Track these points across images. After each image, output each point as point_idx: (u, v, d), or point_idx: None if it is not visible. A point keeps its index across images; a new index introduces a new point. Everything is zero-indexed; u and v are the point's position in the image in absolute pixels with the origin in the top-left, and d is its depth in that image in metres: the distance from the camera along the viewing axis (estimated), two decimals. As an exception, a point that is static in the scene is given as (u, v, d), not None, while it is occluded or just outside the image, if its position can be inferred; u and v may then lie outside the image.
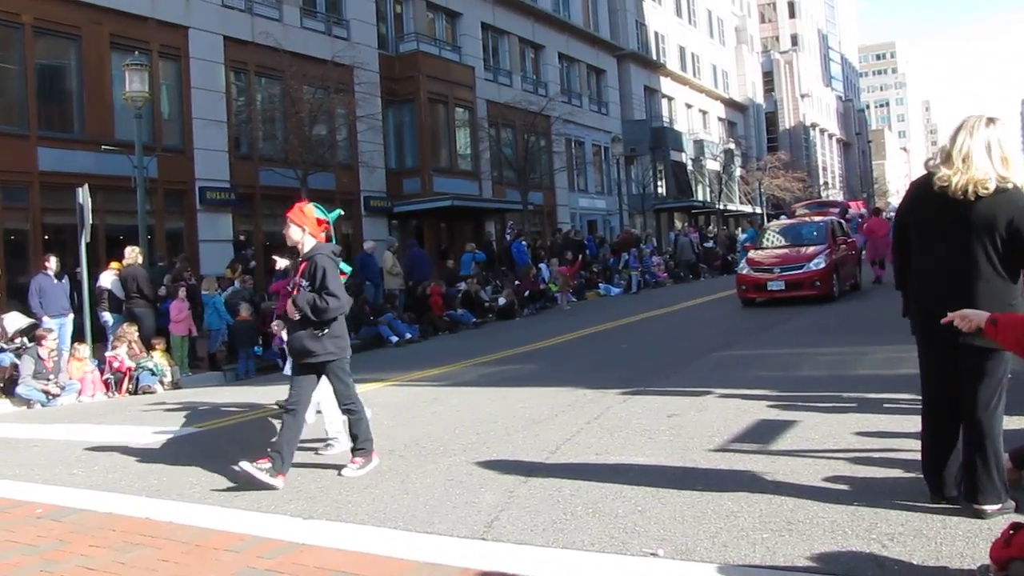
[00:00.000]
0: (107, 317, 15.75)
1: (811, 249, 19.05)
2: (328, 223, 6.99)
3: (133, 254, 15.69)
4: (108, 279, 15.91)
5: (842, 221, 24.02)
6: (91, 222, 15.98)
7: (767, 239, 21.48)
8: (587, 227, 42.13)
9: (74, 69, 21.03)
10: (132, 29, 21.75)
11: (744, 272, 19.50)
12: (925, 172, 4.77)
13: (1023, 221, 4.34)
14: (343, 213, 8.16)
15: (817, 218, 23.86)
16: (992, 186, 4.38)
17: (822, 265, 18.40)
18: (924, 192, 4.75)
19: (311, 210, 6.85)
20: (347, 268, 7.33)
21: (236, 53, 24.62)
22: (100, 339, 16.01)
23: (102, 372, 14.43)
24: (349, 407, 6.92)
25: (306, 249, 6.80)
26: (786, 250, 19.82)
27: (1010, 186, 4.40)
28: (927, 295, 4.78)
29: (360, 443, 6.82)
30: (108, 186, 19.94)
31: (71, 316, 15.58)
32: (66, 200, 17.36)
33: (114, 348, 14.57)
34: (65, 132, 20.75)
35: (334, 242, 7.11)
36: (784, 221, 26.15)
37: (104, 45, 21.26)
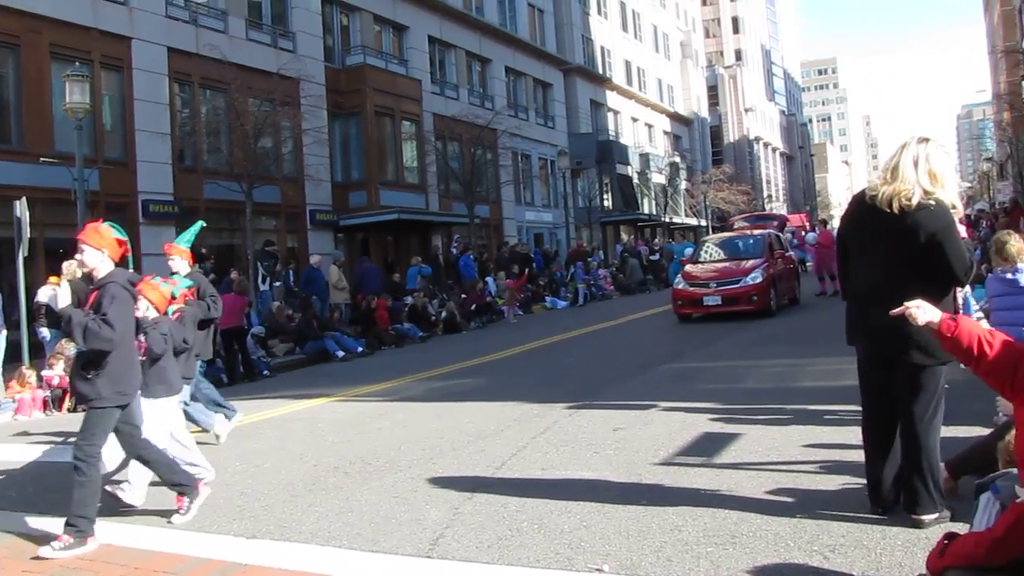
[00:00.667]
0: (44, 333, 15.41)
1: (748, 263, 18.89)
2: (127, 245, 6.14)
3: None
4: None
5: (780, 235, 23.91)
6: (28, 236, 15.64)
7: (704, 253, 21.13)
8: (534, 240, 42.24)
9: (12, 79, 20.59)
10: (73, 39, 21.38)
11: (680, 287, 19.19)
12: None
13: (945, 235, 4.47)
14: (205, 225, 8.01)
15: (756, 231, 23.53)
16: (915, 200, 4.52)
17: (759, 279, 18.25)
18: (860, 205, 4.93)
19: (108, 231, 5.93)
20: (185, 284, 7.09)
21: (180, 65, 24.33)
22: (38, 355, 15.67)
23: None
24: (138, 456, 6.20)
25: (101, 275, 5.85)
26: (723, 264, 19.62)
27: (933, 202, 4.53)
28: (860, 306, 4.91)
29: (173, 485, 6.23)
30: (47, 199, 19.56)
31: (4, 332, 15.22)
32: (3, 213, 17.03)
33: (51, 366, 14.24)
34: (2, 143, 20.27)
35: (131, 266, 6.38)
36: (721, 234, 26.13)
37: (44, 55, 20.85)
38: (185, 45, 24.42)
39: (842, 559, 4.34)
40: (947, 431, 5.18)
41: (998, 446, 4.64)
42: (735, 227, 31.27)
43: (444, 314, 23.27)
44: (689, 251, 28.81)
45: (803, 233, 37.93)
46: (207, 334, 9.25)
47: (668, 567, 4.45)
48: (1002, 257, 7.07)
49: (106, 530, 5.86)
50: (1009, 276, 6.93)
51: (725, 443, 7.12)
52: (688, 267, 20.48)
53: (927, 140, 4.76)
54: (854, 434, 5.41)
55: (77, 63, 18.73)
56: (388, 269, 26.76)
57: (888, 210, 4.59)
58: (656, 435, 7.63)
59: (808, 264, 28.47)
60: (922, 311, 3.96)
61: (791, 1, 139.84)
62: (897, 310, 4.09)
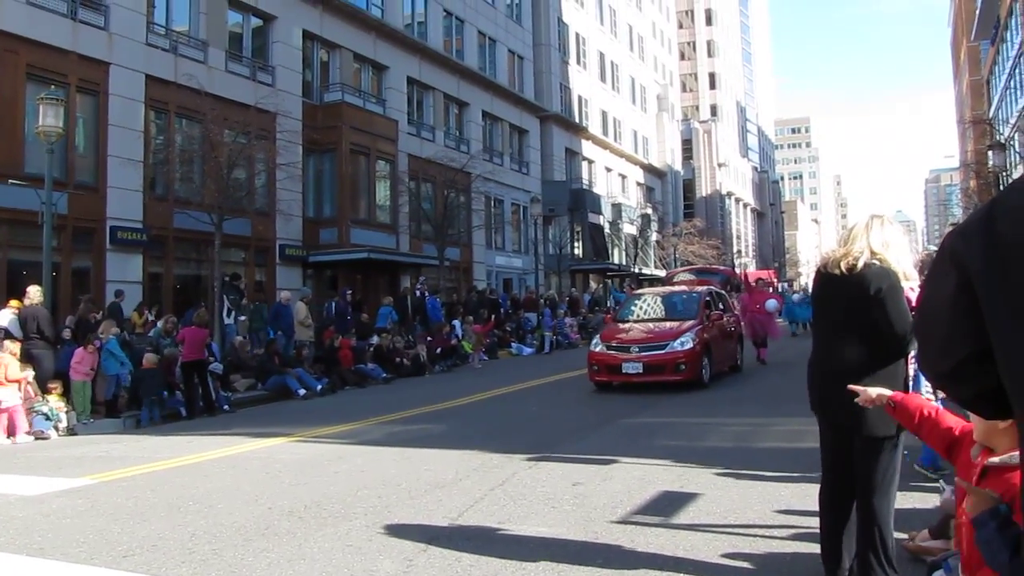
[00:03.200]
0: (2, 357, 15.18)
1: (678, 325, 16.66)
2: None
3: (36, 294, 15.23)
4: (6, 318, 15.37)
5: (722, 292, 21.36)
6: (-8, 258, 15.47)
7: (629, 311, 18.92)
8: (503, 285, 42.26)
9: (-15, 99, 20.45)
10: (51, 61, 21.29)
11: (597, 350, 16.74)
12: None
13: (889, 293, 4.58)
14: None
15: (697, 287, 20.76)
16: (862, 262, 4.64)
17: (688, 345, 15.90)
18: (818, 276, 5.08)
19: None
20: None
21: (157, 92, 24.26)
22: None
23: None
24: None
25: None
26: (649, 325, 17.34)
27: (877, 263, 4.66)
28: (818, 371, 5.00)
29: None
30: (13, 220, 19.37)
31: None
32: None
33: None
34: (-30, 163, 20.11)
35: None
36: (652, 289, 23.70)
37: (19, 75, 20.71)
38: (163, 73, 24.37)
39: (795, 631, 4.32)
40: (904, 499, 5.19)
41: (951, 524, 4.66)
42: (675, 281, 28.16)
43: (411, 354, 23.13)
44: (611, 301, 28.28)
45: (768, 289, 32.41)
46: None
47: (620, 632, 4.40)
48: None
49: (49, 570, 5.74)
50: None
51: (683, 503, 7.10)
52: (609, 327, 18.26)
53: (881, 216, 4.94)
54: (811, 498, 5.41)
55: (53, 86, 18.67)
56: (356, 307, 26.64)
57: (838, 272, 4.71)
58: (615, 492, 7.59)
59: None
60: (866, 396, 4.02)
61: (767, 60, 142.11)
62: (850, 388, 4.18)
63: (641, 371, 15.78)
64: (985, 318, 1.57)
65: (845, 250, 4.75)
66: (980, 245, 1.57)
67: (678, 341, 15.95)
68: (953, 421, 3.58)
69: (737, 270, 56.28)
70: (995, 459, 2.75)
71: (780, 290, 33.67)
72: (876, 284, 4.59)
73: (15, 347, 14.26)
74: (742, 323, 20.73)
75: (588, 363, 16.75)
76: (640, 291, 23.09)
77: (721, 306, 19.20)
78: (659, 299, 18.94)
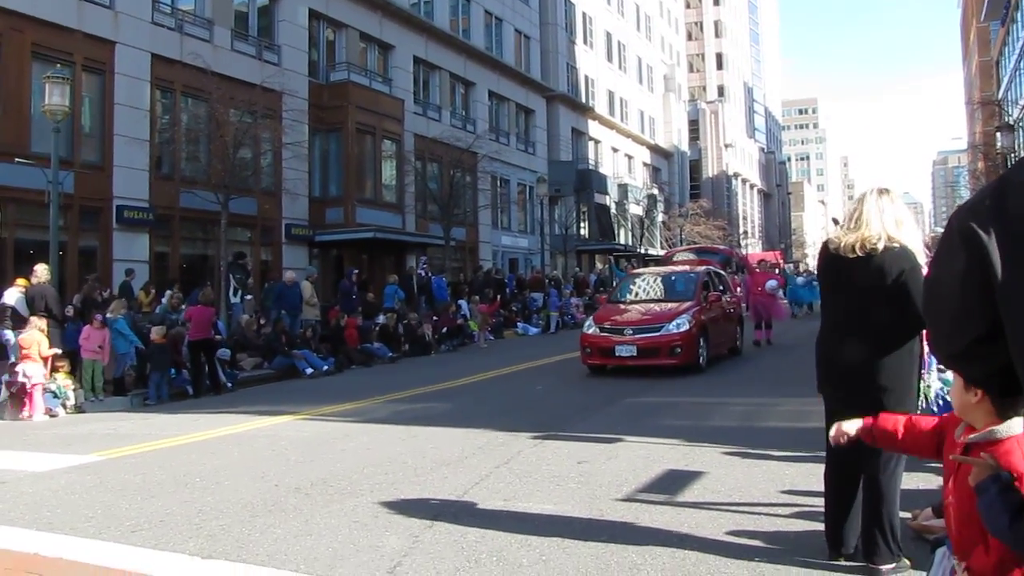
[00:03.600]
0: (8, 335, 15.22)
1: (674, 306, 15.99)
2: None
3: (43, 272, 15.27)
4: (13, 296, 15.43)
5: (721, 272, 20.74)
6: (-1, 236, 15.49)
7: (625, 291, 18.15)
8: (508, 265, 42.26)
9: (-9, 77, 20.46)
10: (56, 40, 21.28)
11: (590, 332, 16.09)
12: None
13: (911, 275, 4.53)
14: None
15: (696, 267, 20.15)
16: (881, 245, 4.59)
17: (684, 327, 15.20)
18: (824, 256, 5.06)
19: None
20: None
21: (163, 71, 24.25)
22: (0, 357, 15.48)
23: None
24: None
25: None
26: (644, 306, 16.54)
27: (897, 245, 4.61)
28: (824, 352, 4.98)
29: None
30: (20, 199, 19.40)
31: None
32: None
33: (11, 371, 13.99)
34: (-23, 142, 20.14)
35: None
36: (649, 269, 22.89)
37: (25, 54, 20.72)
38: (169, 52, 24.35)
39: (798, 607, 4.33)
40: (908, 479, 5.21)
41: None
42: (675, 260, 28.07)
43: (418, 333, 23.16)
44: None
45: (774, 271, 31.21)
46: None
47: (625, 607, 4.42)
48: None
49: (58, 543, 5.78)
50: None
51: (688, 481, 7.11)
52: (603, 308, 17.76)
53: (887, 191, 4.89)
54: (817, 478, 5.42)
55: (59, 64, 18.65)
56: (362, 287, 26.67)
57: (853, 255, 4.66)
58: (620, 470, 7.61)
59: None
60: (841, 434, 3.82)
61: (775, 40, 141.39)
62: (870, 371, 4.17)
63: (635, 354, 15.17)
64: (997, 295, 1.55)
65: (859, 235, 4.68)
66: (991, 221, 1.56)
67: (673, 323, 15.27)
68: (929, 420, 3.52)
69: (743, 252, 56.16)
70: (974, 435, 2.75)
71: (784, 272, 33.11)
72: (898, 266, 4.56)
73: (43, 323, 14.41)
74: (746, 305, 20.47)
75: (581, 345, 16.14)
76: (637, 271, 22.54)
77: (721, 287, 18.50)
78: (656, 279, 18.13)
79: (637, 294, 17.61)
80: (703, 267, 19.69)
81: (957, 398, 2.73)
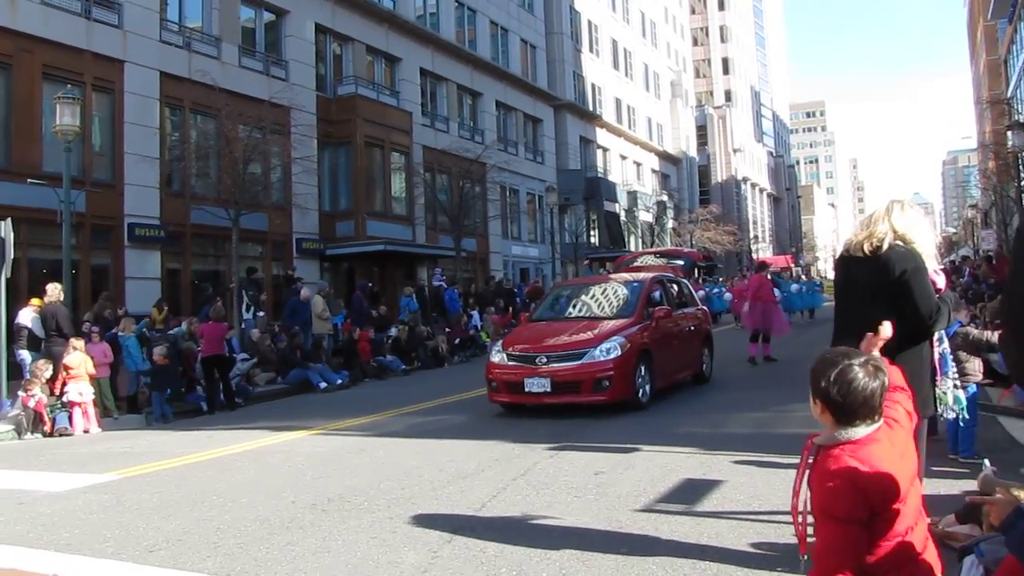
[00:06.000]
0: (23, 355, 15.27)
1: (604, 326, 12.69)
2: None
3: (55, 291, 15.31)
4: (28, 316, 15.47)
5: (682, 280, 16.90)
6: (12, 256, 15.51)
7: (550, 307, 14.95)
8: (519, 275, 42.24)
9: (2, 98, 20.53)
10: (66, 60, 21.42)
11: (495, 360, 12.83)
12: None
13: (913, 275, 4.53)
14: None
15: (641, 275, 15.87)
16: (887, 242, 4.63)
17: (615, 353, 11.93)
18: (840, 259, 5.10)
19: None
20: None
21: (172, 89, 24.36)
22: (15, 377, 15.49)
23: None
24: None
25: None
26: (569, 326, 13.13)
27: (902, 245, 4.62)
28: None
29: None
30: (32, 219, 19.46)
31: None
32: (-13, 233, 16.87)
33: (27, 389, 14.04)
34: (-10, 163, 20.25)
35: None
36: (587, 278, 19.69)
37: (35, 75, 20.86)
38: (177, 70, 24.46)
39: (822, 617, 4.28)
40: (930, 485, 5.17)
41: (983, 509, 4.62)
42: (636, 266, 22.92)
43: (430, 345, 23.18)
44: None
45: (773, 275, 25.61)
46: None
47: (647, 621, 4.39)
48: None
49: (77, 565, 5.78)
50: None
51: (707, 490, 7.08)
52: (517, 329, 14.93)
53: (901, 201, 4.92)
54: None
55: (69, 85, 18.70)
56: (373, 300, 26.69)
57: (861, 254, 4.70)
58: (637, 480, 7.58)
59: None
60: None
61: (781, 44, 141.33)
62: None
63: (549, 389, 11.87)
64: None
65: (868, 232, 4.72)
66: None
67: (600, 348, 12.00)
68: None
69: (756, 254, 55.81)
70: (819, 438, 2.94)
71: (777, 277, 31.73)
72: (901, 266, 4.56)
73: (81, 344, 14.64)
74: (739, 316, 18.34)
75: (486, 378, 12.90)
76: (569, 282, 19.59)
77: (680, 298, 15.33)
78: (591, 291, 14.92)
79: (566, 310, 14.43)
80: (652, 275, 15.60)
81: (815, 410, 2.94)
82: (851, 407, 2.79)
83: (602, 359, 11.86)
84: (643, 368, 12.38)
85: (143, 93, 23.51)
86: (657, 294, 14.14)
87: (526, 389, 12.01)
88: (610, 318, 13.16)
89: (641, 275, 15.59)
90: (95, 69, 22.34)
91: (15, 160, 20.33)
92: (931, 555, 2.89)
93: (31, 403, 13.67)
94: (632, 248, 55.50)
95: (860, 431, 2.80)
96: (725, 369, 16.35)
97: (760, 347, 17.95)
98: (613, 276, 17.68)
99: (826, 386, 2.83)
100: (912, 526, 2.83)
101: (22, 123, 20.54)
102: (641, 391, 12.30)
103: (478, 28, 42.11)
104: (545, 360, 12.09)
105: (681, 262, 22.04)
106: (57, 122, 17.07)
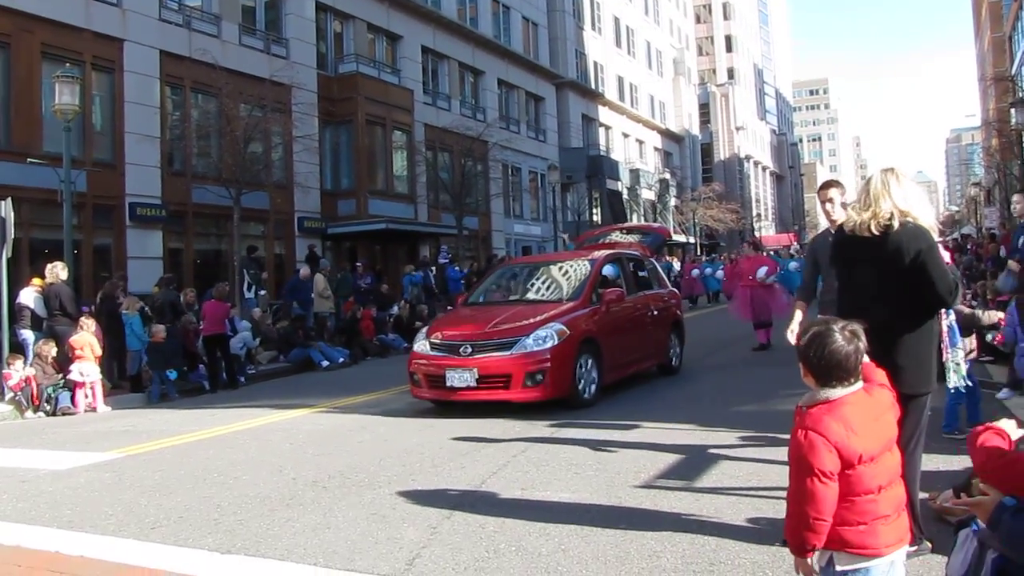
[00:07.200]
0: (26, 335, 15.26)
1: (545, 311, 11.08)
2: None
3: (56, 270, 15.29)
4: (30, 296, 15.44)
5: (645, 258, 14.47)
6: (13, 236, 15.49)
7: (488, 289, 13.39)
8: (521, 253, 42.17)
9: (1, 78, 20.49)
10: (65, 39, 21.34)
11: (418, 349, 11.37)
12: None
13: (928, 255, 4.50)
14: None
15: (594, 253, 13.28)
16: (896, 223, 4.56)
17: (551, 342, 10.39)
18: (838, 236, 5.07)
19: None
20: None
21: (172, 68, 24.28)
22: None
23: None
24: None
25: None
26: (503, 311, 11.44)
27: (911, 222, 4.58)
28: None
29: None
30: (33, 199, 19.45)
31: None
32: (-12, 213, 16.87)
33: (9, 364, 13.98)
34: (-10, 142, 20.23)
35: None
36: (535, 257, 17.25)
37: (35, 54, 20.80)
38: (178, 48, 24.38)
39: (820, 591, 4.29)
40: (928, 460, 5.17)
41: (973, 483, 4.63)
42: (601, 243, 17.57)
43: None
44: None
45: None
46: None
47: (645, 595, 4.40)
48: None
49: (79, 541, 5.80)
50: None
51: (706, 466, 7.09)
52: (445, 315, 14.11)
53: (892, 169, 4.84)
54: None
55: (68, 64, 18.68)
56: (376, 278, 26.66)
57: (868, 235, 4.63)
58: (637, 456, 7.60)
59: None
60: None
61: (784, 22, 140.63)
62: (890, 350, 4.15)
63: (473, 384, 10.42)
64: None
65: (872, 212, 4.63)
66: None
67: (533, 336, 10.47)
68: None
69: (758, 234, 55.74)
70: (803, 399, 3.14)
71: (775, 254, 31.34)
72: (915, 246, 4.51)
73: (92, 324, 14.74)
74: (729, 302, 17.14)
75: (408, 370, 11.48)
76: (518, 260, 17.50)
77: (641, 279, 13.63)
78: (539, 271, 13.09)
79: (509, 292, 12.96)
80: (605, 252, 13.43)
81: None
82: (827, 368, 3.06)
83: (536, 349, 10.33)
84: (588, 359, 10.85)
85: (143, 72, 23.44)
86: (610, 274, 12.63)
87: (447, 383, 10.57)
88: (554, 301, 11.63)
89: (596, 253, 13.37)
90: (95, 48, 22.27)
91: (15, 140, 20.30)
92: (901, 523, 3.10)
93: (11, 382, 13.65)
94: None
95: (837, 392, 3.06)
96: (711, 356, 16.05)
97: (762, 334, 16.90)
98: (568, 254, 15.78)
99: (806, 348, 3.14)
100: (884, 486, 3.04)
101: (22, 102, 20.49)
102: (584, 386, 10.77)
103: (480, 5, 41.91)
104: (470, 350, 10.58)
105: (648, 238, 18.60)
106: (56, 101, 16.99)
